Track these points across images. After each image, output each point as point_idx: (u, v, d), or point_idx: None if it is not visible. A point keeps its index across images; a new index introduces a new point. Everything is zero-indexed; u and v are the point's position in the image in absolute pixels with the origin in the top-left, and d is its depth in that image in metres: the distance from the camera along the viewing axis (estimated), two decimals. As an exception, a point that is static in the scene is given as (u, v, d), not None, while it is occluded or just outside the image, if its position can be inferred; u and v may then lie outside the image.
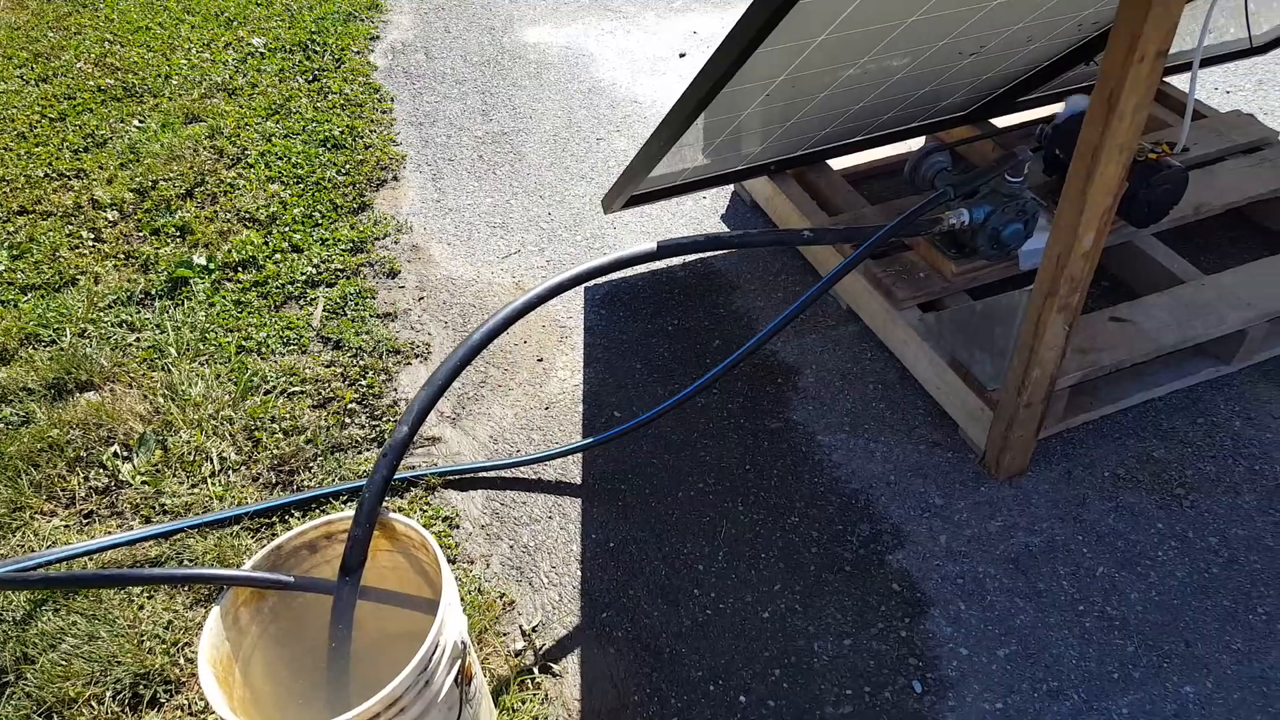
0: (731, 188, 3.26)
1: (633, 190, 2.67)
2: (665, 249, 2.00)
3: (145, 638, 2.04)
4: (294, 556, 1.70)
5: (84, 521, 2.32)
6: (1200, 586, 2.03)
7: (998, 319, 2.13)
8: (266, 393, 2.55)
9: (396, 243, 3.05)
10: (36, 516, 2.29)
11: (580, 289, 2.87)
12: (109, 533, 2.29)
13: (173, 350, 2.69)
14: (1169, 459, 2.30)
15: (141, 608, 2.10)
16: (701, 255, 2.98)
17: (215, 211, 3.20)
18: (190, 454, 2.40)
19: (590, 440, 2.34)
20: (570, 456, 2.36)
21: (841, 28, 1.94)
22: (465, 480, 2.32)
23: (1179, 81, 3.64)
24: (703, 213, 3.17)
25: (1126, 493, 2.22)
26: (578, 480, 2.31)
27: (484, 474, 2.32)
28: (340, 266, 2.93)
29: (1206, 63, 3.31)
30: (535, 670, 1.93)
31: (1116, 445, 2.33)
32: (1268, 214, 2.88)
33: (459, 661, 1.59)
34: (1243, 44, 3.28)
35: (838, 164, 3.12)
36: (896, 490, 2.26)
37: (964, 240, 2.45)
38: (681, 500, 2.26)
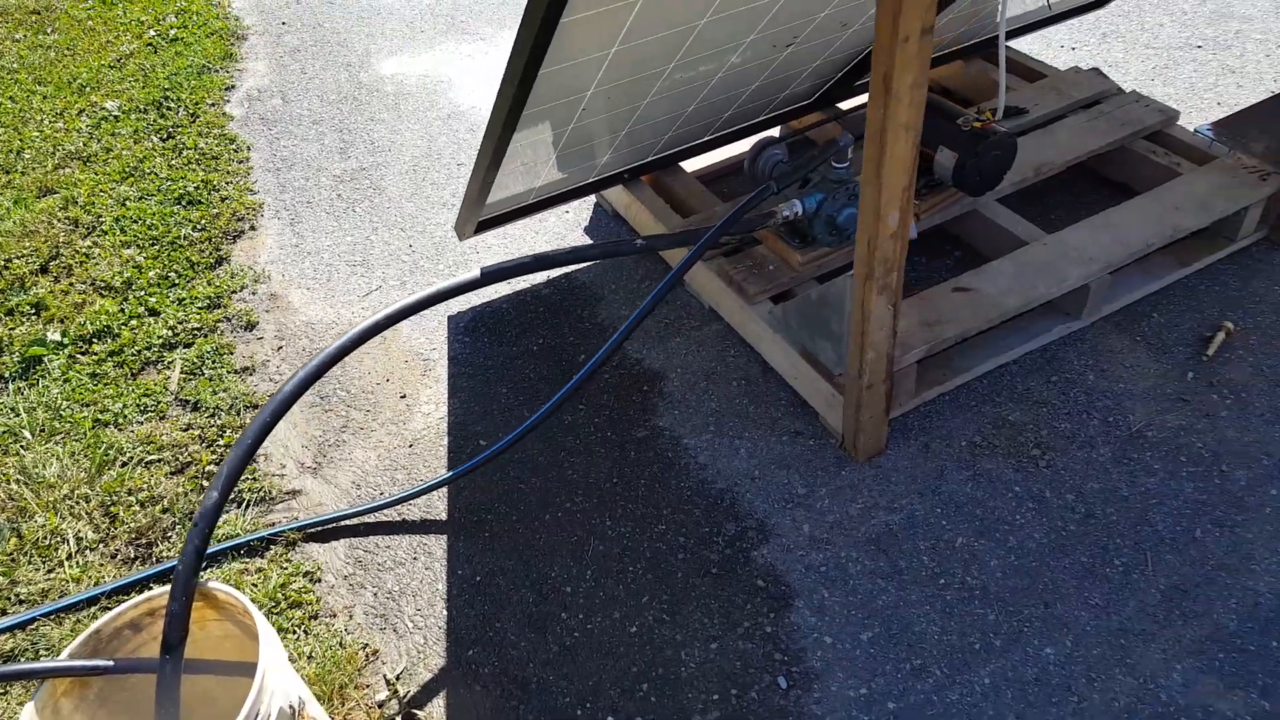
0: (594, 199, 3.25)
1: (478, 216, 2.64)
2: (489, 275, 1.97)
3: (2, 737, 1.97)
4: (117, 638, 1.64)
5: (-60, 623, 2.23)
6: (1058, 545, 2.05)
7: (831, 305, 2.14)
8: (123, 465, 2.48)
9: (254, 294, 2.99)
10: (-119, 626, 2.19)
11: (444, 319, 2.84)
12: (-33, 631, 2.21)
13: (26, 433, 2.60)
14: (1025, 421, 2.32)
15: None
16: (566, 270, 2.96)
17: (70, 284, 3.10)
18: (46, 538, 2.32)
19: (452, 473, 2.31)
20: (435, 492, 2.32)
21: (629, 39, 1.94)
22: (327, 531, 2.27)
23: (1024, 44, 3.72)
24: (566, 227, 3.15)
25: (984, 460, 2.25)
26: (443, 516, 2.28)
27: (346, 522, 2.28)
28: (197, 325, 2.86)
29: (1049, 21, 3.37)
30: (399, 719, 1.89)
31: (973, 413, 2.36)
32: (1109, 165, 2.94)
33: (291, 725, 1.55)
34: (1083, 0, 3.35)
35: (693, 165, 3.13)
36: (761, 485, 2.26)
37: (804, 230, 2.47)
38: (549, 523, 2.23)
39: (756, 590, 2.04)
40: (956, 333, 2.32)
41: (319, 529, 2.27)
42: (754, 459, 2.33)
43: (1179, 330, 2.48)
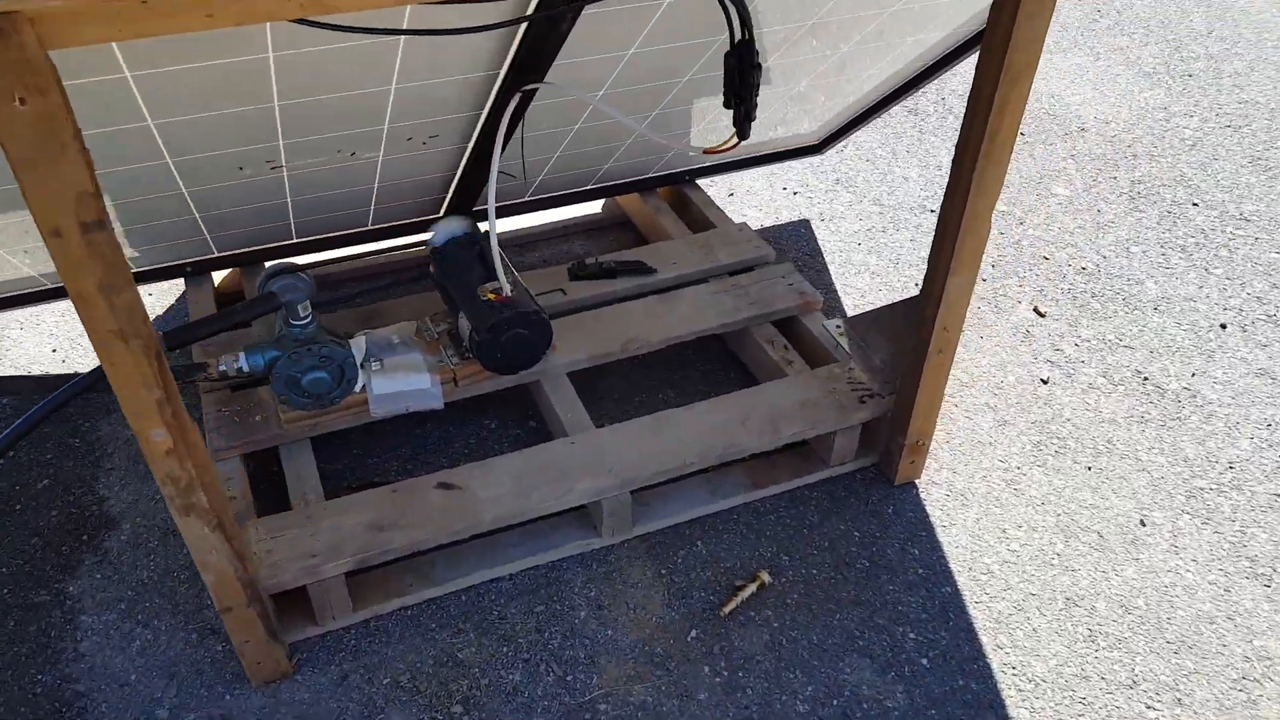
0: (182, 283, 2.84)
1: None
2: None
3: None
4: None
5: None
6: (411, 847, 1.65)
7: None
8: None
9: None
10: None
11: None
12: None
13: None
14: (475, 661, 1.92)
15: None
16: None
17: None
18: None
19: None
20: None
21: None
22: None
23: (745, 178, 3.35)
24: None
25: (395, 710, 1.83)
26: None
27: None
28: None
29: (745, 164, 2.98)
30: None
31: (426, 640, 1.95)
32: (737, 345, 2.56)
33: None
34: (806, 139, 2.99)
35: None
36: (128, 696, 1.84)
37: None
38: None
39: None
40: (404, 544, 1.91)
41: None
42: (144, 657, 1.90)
43: (715, 569, 2.09)
